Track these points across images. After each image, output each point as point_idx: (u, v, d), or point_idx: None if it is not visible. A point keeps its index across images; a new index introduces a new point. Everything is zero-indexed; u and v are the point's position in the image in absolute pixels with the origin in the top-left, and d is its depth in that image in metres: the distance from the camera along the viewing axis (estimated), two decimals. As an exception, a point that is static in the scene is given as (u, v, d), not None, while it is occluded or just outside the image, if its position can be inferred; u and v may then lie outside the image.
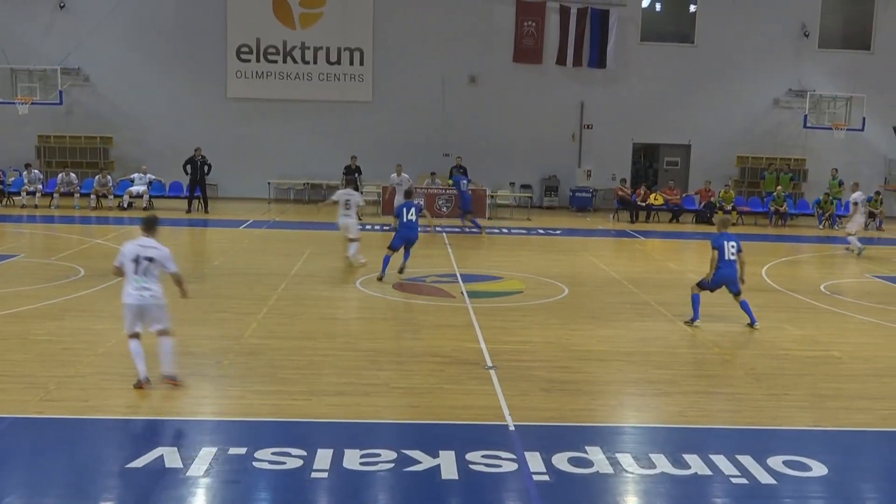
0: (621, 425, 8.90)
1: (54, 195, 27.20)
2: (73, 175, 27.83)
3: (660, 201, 28.48)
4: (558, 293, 15.48)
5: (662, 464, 7.67)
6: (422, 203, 19.51)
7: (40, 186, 27.27)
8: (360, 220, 18.05)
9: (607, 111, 31.17)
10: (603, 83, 31.19)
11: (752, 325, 12.95)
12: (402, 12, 30.53)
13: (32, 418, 8.49)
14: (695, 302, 13.14)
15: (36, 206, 26.54)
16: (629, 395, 9.90)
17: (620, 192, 28.78)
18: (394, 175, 25.08)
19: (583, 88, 31.19)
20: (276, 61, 30.84)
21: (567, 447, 7.95)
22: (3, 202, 27.40)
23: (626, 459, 7.75)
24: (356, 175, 26.35)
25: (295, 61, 30.88)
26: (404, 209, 16.29)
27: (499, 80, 30.81)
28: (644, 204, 28.33)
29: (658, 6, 32.21)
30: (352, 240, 17.42)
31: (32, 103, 28.25)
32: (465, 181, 24.92)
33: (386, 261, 15.96)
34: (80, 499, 6.79)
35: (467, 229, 24.10)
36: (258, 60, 30.80)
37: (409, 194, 17.32)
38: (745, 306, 13.04)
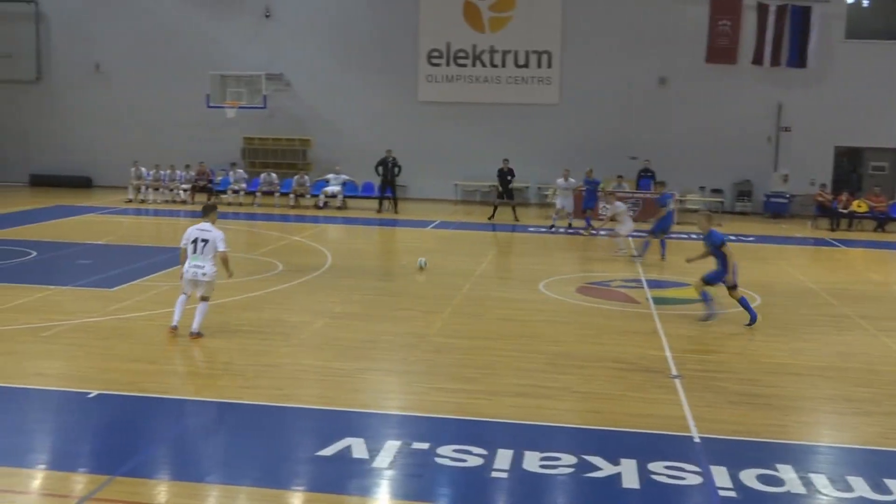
0: (816, 444, 8.43)
1: (257, 194, 28.83)
2: (273, 175, 29.42)
3: (864, 208, 26.75)
4: (750, 303, 14.85)
5: (861, 487, 7.22)
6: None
7: (244, 185, 29.00)
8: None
9: (807, 113, 29.57)
10: (803, 83, 29.63)
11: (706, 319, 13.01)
12: (592, 14, 30.23)
13: (232, 403, 9.05)
14: (744, 303, 12.93)
15: (240, 204, 28.21)
16: (825, 413, 9.38)
17: (820, 198, 27.26)
18: (560, 179, 24.71)
19: (780, 89, 29.76)
20: (465, 65, 31.33)
21: (756, 463, 7.62)
22: (211, 199, 29.29)
23: (820, 480, 7.34)
24: (508, 178, 26.42)
25: (483, 65, 31.24)
26: (668, 199, 19.15)
27: (690, 81, 29.91)
28: (846, 211, 26.72)
29: (865, 1, 30.21)
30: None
31: (239, 107, 30.11)
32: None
33: (646, 245, 18.79)
34: (273, 482, 7.15)
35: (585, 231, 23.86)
36: (448, 64, 31.39)
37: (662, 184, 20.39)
38: (705, 296, 13.10)
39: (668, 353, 11.24)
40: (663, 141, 29.77)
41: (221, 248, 11.29)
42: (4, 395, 9.20)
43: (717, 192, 29.79)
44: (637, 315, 13.62)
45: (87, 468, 7.40)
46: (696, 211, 28.36)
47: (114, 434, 8.21)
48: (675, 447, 8.04)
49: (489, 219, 25.93)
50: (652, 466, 7.48)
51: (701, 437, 8.26)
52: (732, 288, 13.02)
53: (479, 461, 7.56)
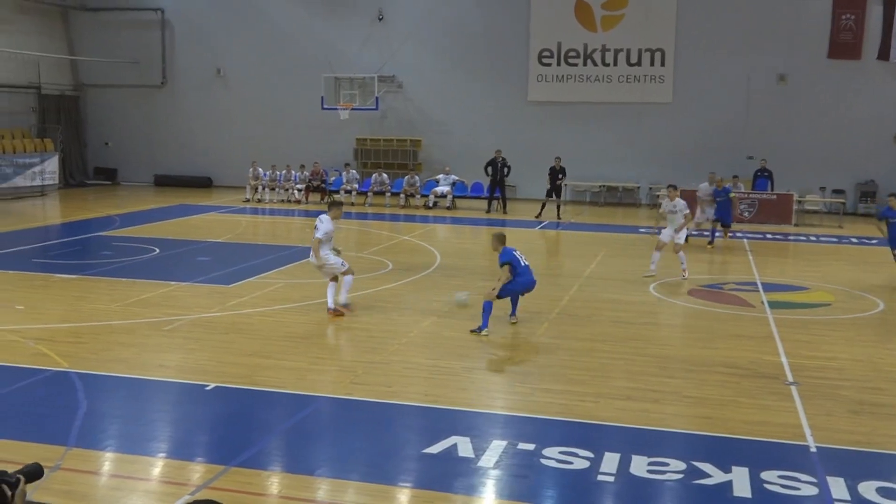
0: (942, 457, 8.03)
1: (368, 194, 29.31)
2: (385, 175, 29.85)
3: None
4: (872, 308, 14.26)
5: None
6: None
7: (356, 185, 29.53)
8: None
9: (938, 110, 28.13)
10: (933, 79, 28.22)
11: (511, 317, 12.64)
12: (707, 9, 29.47)
13: (342, 399, 9.24)
14: (486, 310, 11.96)
15: (352, 204, 28.72)
16: (953, 425, 8.90)
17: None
18: (704, 184, 22.27)
19: (909, 85, 28.41)
20: (576, 64, 31.03)
21: (877, 476, 7.32)
22: (324, 199, 29.93)
23: (946, 495, 6.99)
24: (560, 176, 25.96)
25: (595, 64, 30.89)
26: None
27: (811, 77, 28.86)
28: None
29: None
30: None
31: (352, 109, 30.68)
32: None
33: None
34: (380, 477, 7.27)
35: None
36: (559, 64, 31.16)
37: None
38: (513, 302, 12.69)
39: (783, 359, 10.89)
40: (782, 140, 28.84)
41: (316, 235, 12.69)
42: (129, 385, 9.64)
43: (838, 192, 28.66)
44: (751, 319, 13.24)
45: (203, 458, 7.69)
46: (815, 212, 27.51)
47: (229, 425, 8.50)
48: (789, 456, 7.79)
49: (536, 217, 25.79)
50: (765, 475, 7.27)
51: (818, 447, 7.97)
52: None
53: (585, 464, 7.50)
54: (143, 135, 35.00)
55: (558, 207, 26.34)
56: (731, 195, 20.89)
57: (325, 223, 12.67)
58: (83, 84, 35.52)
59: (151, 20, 34.41)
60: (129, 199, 29.35)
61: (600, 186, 30.73)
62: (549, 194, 26.35)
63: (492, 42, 31.32)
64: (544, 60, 31.21)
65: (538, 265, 17.83)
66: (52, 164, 30.94)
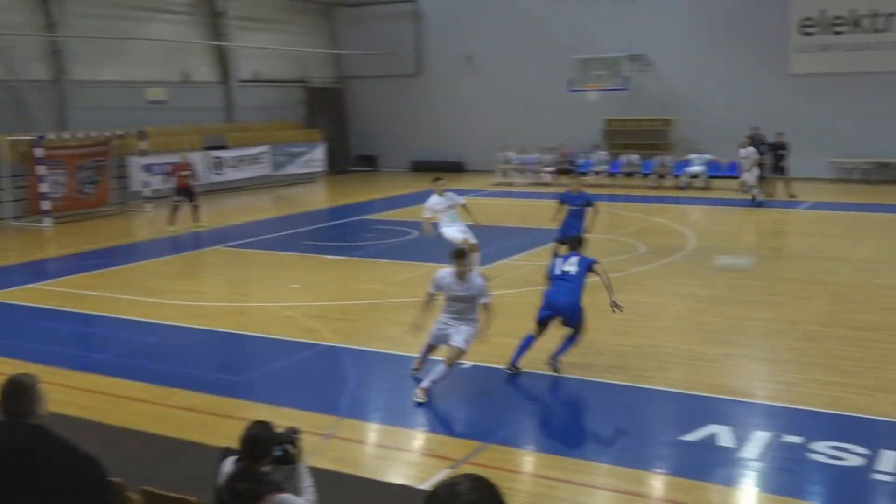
0: None
1: (618, 175, 28.91)
2: (635, 156, 29.31)
3: None
4: None
5: None
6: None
7: (605, 167, 29.23)
8: None
9: None
10: None
11: None
12: None
13: (594, 381, 9.18)
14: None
15: (602, 186, 28.46)
16: None
17: None
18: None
19: None
20: (842, 32, 28.83)
21: None
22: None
23: None
24: (784, 153, 23.67)
25: (864, 31, 28.53)
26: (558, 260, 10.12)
27: None
28: None
29: None
30: None
31: (600, 90, 30.31)
32: None
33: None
34: (634, 463, 7.18)
35: None
36: (823, 33, 29.09)
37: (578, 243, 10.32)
38: None
39: None
40: None
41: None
42: (394, 361, 10.11)
43: None
44: None
45: (460, 433, 7.96)
46: None
47: (484, 403, 8.73)
48: None
49: (769, 196, 23.94)
50: None
51: None
52: None
53: (859, 461, 7.01)
54: (399, 122, 36.59)
55: (779, 186, 24.58)
56: None
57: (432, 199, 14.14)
58: (345, 76, 37.67)
59: (405, 12, 35.82)
60: (388, 184, 30.80)
61: (871, 163, 28.42)
62: (773, 172, 24.67)
63: (746, 15, 29.76)
64: (806, 30, 29.24)
65: (803, 247, 16.85)
66: (320, 153, 33.12)
